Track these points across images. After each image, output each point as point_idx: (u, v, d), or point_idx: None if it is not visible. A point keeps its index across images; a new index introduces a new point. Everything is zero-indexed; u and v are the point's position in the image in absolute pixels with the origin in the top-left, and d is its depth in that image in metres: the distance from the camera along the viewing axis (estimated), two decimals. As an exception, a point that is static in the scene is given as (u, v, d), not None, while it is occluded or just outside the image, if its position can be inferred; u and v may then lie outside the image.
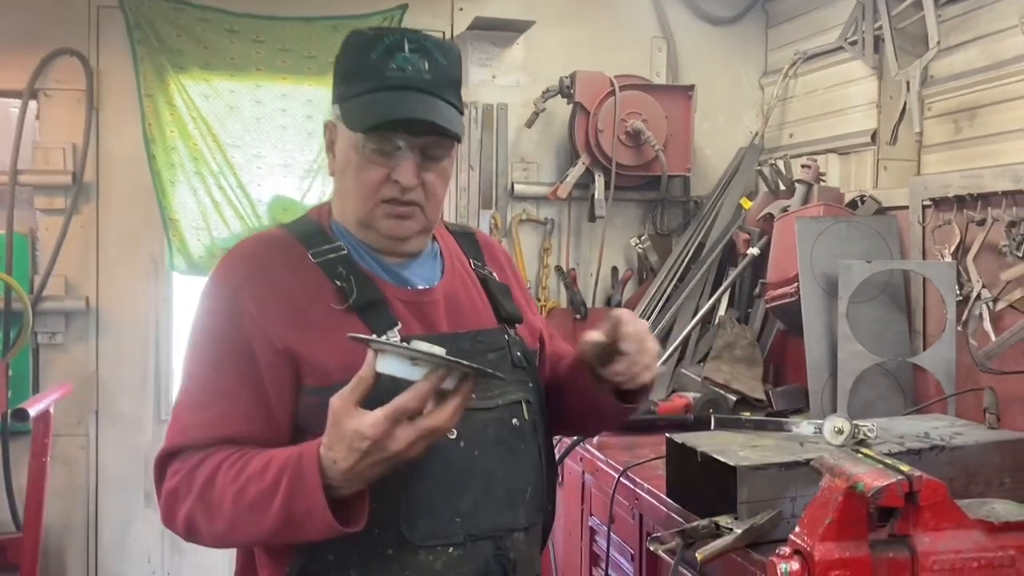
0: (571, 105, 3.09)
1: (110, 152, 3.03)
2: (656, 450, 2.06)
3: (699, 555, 1.41)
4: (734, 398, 2.59)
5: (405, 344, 1.13)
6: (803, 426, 1.75)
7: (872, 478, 1.10)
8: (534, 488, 1.42)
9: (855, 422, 1.67)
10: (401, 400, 1.12)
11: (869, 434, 1.66)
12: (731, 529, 1.47)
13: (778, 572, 1.12)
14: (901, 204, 2.44)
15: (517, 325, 1.52)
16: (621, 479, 1.98)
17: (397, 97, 1.31)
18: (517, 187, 3.18)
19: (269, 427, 1.31)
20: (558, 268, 3.22)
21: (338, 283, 1.36)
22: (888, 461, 1.14)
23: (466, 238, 1.60)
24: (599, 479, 2.16)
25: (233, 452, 1.26)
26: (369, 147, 1.33)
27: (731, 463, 1.52)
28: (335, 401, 1.15)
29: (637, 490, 1.93)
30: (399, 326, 1.35)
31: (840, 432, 1.66)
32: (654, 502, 1.85)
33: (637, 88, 3.07)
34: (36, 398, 2.79)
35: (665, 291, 3.03)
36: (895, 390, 2.28)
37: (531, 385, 1.47)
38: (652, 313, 2.96)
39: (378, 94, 1.32)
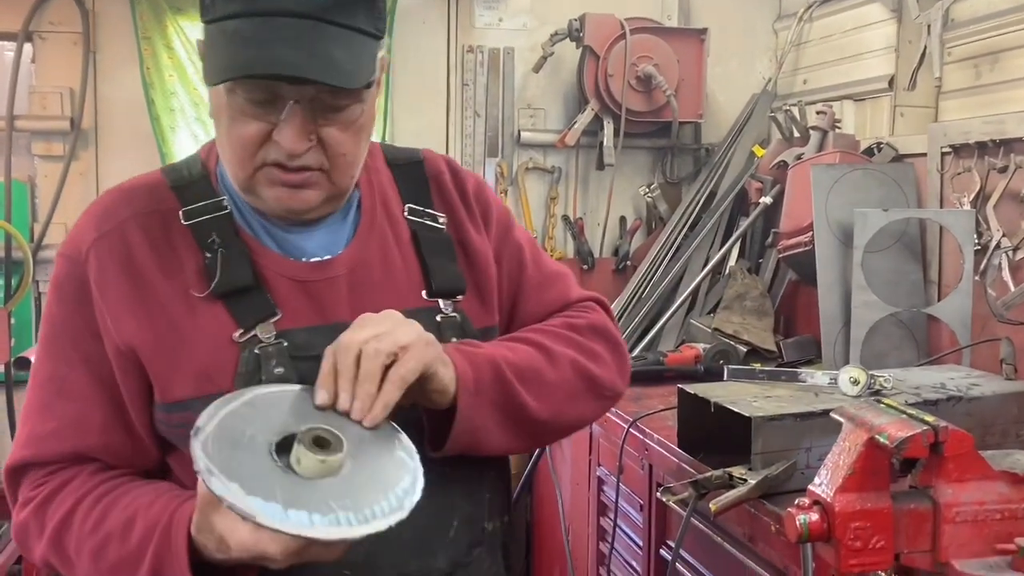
0: (580, 49, 3.01)
1: (108, 97, 2.96)
2: (665, 401, 2.03)
3: (713, 506, 1.40)
4: (744, 349, 2.57)
5: (247, 509, 0.84)
6: (818, 376, 1.72)
7: (896, 428, 1.07)
8: (466, 520, 1.13)
9: (871, 372, 1.64)
10: (268, 550, 0.88)
11: (885, 384, 1.64)
12: (745, 480, 1.45)
13: (796, 524, 1.10)
14: (918, 151, 2.38)
15: (459, 297, 1.16)
16: (630, 430, 1.96)
17: (266, 32, 0.95)
18: (524, 134, 3.12)
19: (129, 439, 1.08)
20: (565, 218, 3.17)
21: (207, 256, 1.06)
22: (912, 411, 1.11)
23: (407, 171, 1.22)
24: (607, 430, 2.14)
25: (91, 489, 1.04)
26: (241, 95, 0.99)
27: (746, 414, 1.50)
28: (201, 486, 0.92)
29: (647, 441, 1.91)
30: (277, 316, 1.06)
31: (856, 382, 1.63)
32: (664, 453, 1.83)
33: (648, 31, 2.99)
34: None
35: (675, 241, 2.98)
36: (908, 341, 2.25)
37: None
38: (661, 264, 2.92)
39: (242, 23, 0.96)
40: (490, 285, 1.21)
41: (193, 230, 1.08)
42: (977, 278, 2.08)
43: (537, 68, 3.02)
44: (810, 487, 1.13)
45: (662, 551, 1.90)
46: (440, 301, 1.15)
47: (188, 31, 2.92)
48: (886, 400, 1.18)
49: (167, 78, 2.91)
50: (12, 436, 2.98)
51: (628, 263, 3.14)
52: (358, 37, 1.00)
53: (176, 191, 1.11)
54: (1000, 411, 1.63)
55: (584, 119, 3.00)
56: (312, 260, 1.11)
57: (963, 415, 1.59)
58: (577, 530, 2.41)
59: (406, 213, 1.19)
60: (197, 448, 0.88)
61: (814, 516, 1.10)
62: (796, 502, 1.12)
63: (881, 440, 1.07)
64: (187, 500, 0.98)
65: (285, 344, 1.05)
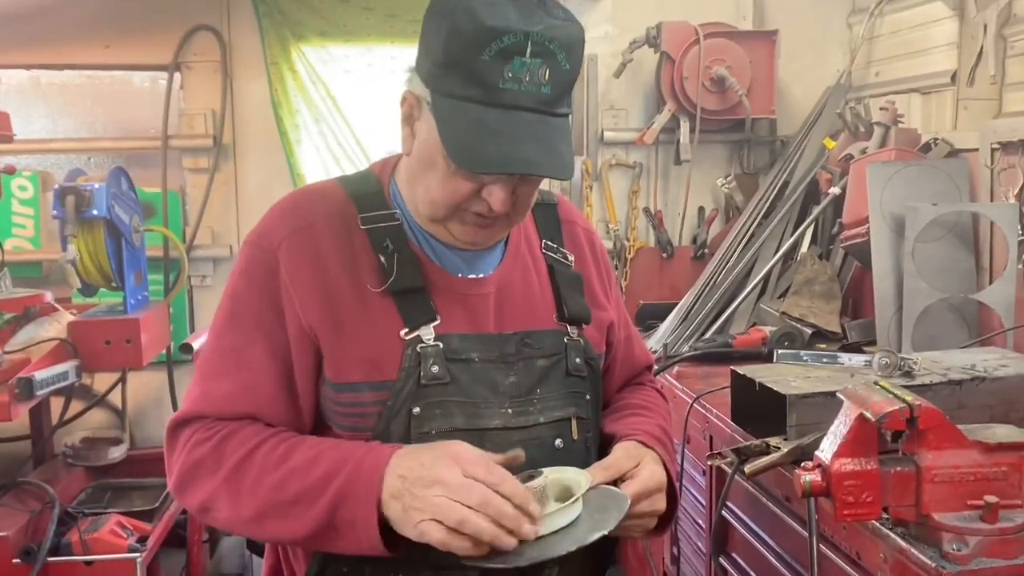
0: (657, 54, 3.25)
1: (243, 116, 3.43)
2: (728, 380, 2.29)
3: (747, 469, 1.66)
4: (809, 331, 2.77)
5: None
6: (855, 359, 1.95)
7: (880, 406, 1.32)
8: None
9: (901, 355, 1.86)
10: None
11: (913, 366, 1.85)
12: (779, 448, 1.71)
13: (802, 482, 1.36)
14: (975, 147, 2.52)
15: (584, 325, 1.37)
16: (694, 405, 2.24)
17: (512, 128, 1.09)
18: (607, 134, 3.37)
19: (291, 411, 1.22)
20: (646, 210, 3.42)
21: (381, 259, 1.23)
22: (897, 392, 1.35)
23: (544, 212, 1.43)
24: (676, 404, 2.42)
25: (273, 433, 1.19)
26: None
27: (782, 392, 1.74)
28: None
29: (708, 415, 2.19)
30: (437, 321, 1.23)
31: (887, 364, 1.86)
32: (721, 425, 2.09)
33: (721, 36, 3.19)
34: (197, 334, 3.23)
35: (749, 229, 3.19)
36: (960, 325, 2.42)
37: (588, 398, 1.34)
38: (736, 251, 3.14)
39: (486, 113, 1.09)
40: (603, 324, 1.43)
41: (369, 234, 1.25)
42: (1020, 266, 2.24)
43: (618, 74, 3.27)
44: (815, 453, 1.40)
45: (724, 512, 2.17)
46: (568, 326, 1.35)
47: (309, 55, 3.33)
48: (882, 382, 1.43)
49: (292, 98, 3.34)
50: (174, 409, 3.49)
51: (706, 251, 3.37)
52: (566, 123, 1.17)
53: (354, 199, 1.28)
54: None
55: (661, 119, 3.24)
56: (468, 276, 1.29)
57: (986, 393, 1.76)
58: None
59: (543, 248, 1.40)
60: None
61: (816, 476, 1.36)
62: (801, 464, 1.39)
63: (867, 415, 1.32)
64: (378, 447, 1.13)
65: (441, 347, 1.23)
